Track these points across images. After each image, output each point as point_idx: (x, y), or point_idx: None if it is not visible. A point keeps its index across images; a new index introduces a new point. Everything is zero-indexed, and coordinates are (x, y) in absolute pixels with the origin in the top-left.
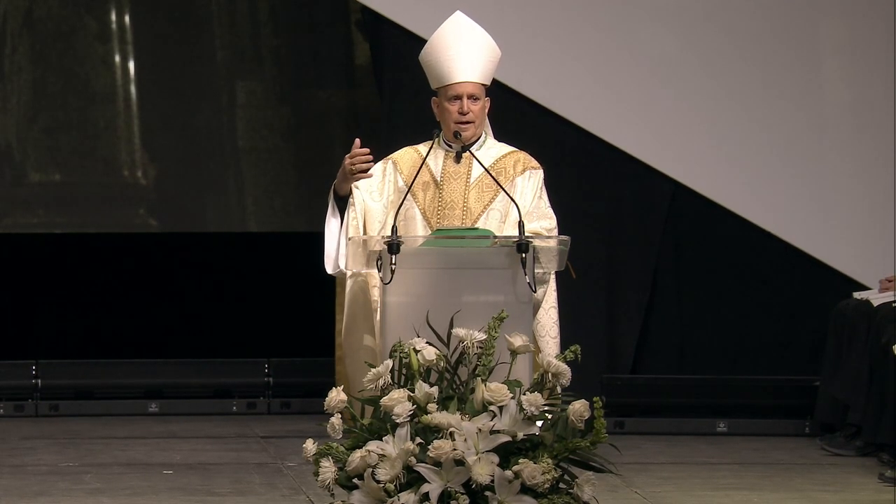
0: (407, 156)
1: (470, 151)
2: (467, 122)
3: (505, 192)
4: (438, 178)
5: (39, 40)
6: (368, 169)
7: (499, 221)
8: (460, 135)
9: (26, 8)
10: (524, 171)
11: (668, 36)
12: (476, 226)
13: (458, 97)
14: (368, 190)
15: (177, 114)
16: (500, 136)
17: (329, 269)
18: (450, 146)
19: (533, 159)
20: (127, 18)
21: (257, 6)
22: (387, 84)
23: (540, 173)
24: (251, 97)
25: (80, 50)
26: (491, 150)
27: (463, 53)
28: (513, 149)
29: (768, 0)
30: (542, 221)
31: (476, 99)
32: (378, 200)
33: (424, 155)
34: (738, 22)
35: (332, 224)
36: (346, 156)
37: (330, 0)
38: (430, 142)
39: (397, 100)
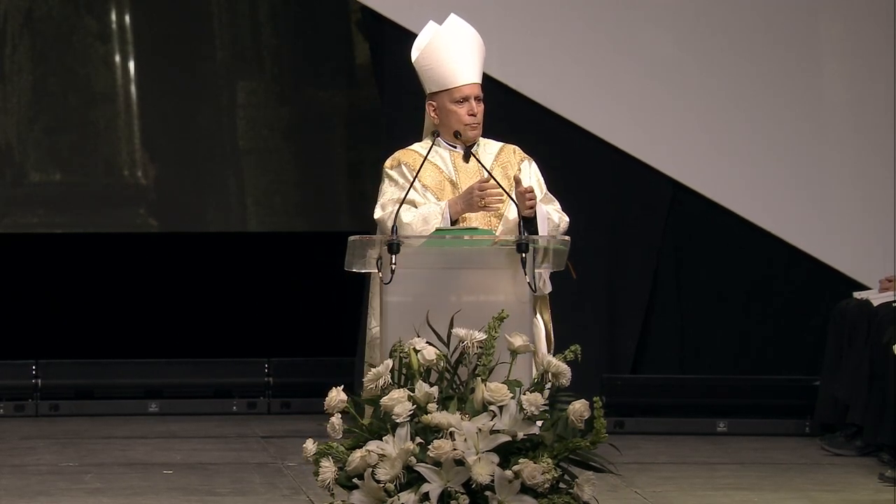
0: (410, 157)
1: (471, 147)
2: (476, 123)
3: (506, 192)
4: (455, 179)
5: (40, 40)
6: (502, 202)
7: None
8: (461, 135)
9: (26, 8)
10: (521, 160)
11: (668, 36)
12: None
13: (466, 99)
14: (423, 195)
15: (177, 114)
16: (501, 136)
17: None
18: (453, 146)
19: (521, 150)
20: (127, 18)
21: (257, 6)
22: (387, 84)
23: (534, 163)
24: (251, 97)
25: (80, 50)
26: (488, 146)
27: (465, 55)
28: (502, 143)
29: (768, 0)
30: (555, 204)
31: (480, 100)
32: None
33: (429, 155)
34: (738, 22)
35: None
36: (476, 186)
37: (330, 0)
38: (430, 142)
39: (397, 100)
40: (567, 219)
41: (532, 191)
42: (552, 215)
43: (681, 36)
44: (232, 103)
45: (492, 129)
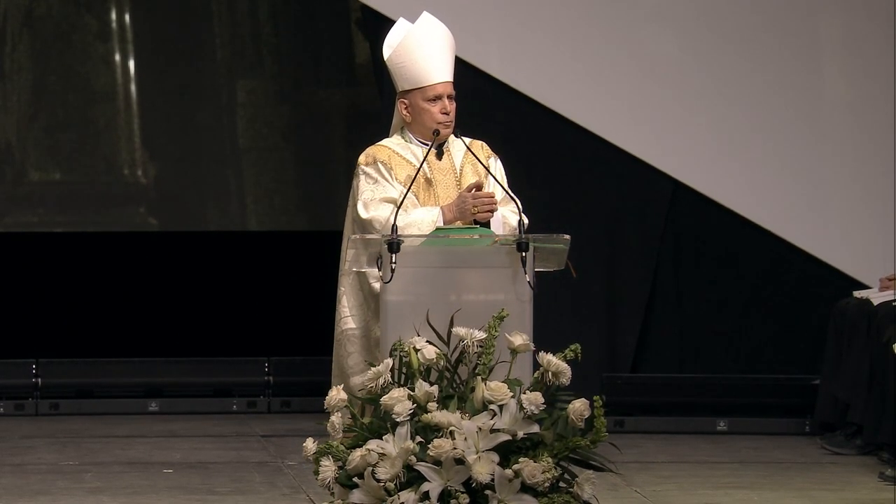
0: (385, 154)
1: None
2: (449, 122)
3: (509, 193)
4: (429, 175)
5: (40, 39)
6: (494, 210)
7: None
8: (439, 132)
9: (27, 6)
10: (489, 157)
11: (668, 35)
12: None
13: (439, 97)
14: (400, 194)
15: (177, 113)
16: (500, 135)
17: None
18: (425, 143)
19: (488, 146)
20: (127, 17)
21: (257, 6)
22: (387, 84)
23: (499, 161)
24: (251, 96)
25: (80, 49)
26: (456, 142)
27: (437, 54)
28: (469, 139)
29: (768, 0)
30: (511, 206)
31: (452, 98)
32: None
33: (402, 152)
34: (738, 21)
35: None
36: (470, 195)
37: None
38: (401, 137)
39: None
40: (526, 220)
41: (493, 195)
42: (509, 218)
43: (681, 35)
44: (232, 102)
45: (490, 128)
